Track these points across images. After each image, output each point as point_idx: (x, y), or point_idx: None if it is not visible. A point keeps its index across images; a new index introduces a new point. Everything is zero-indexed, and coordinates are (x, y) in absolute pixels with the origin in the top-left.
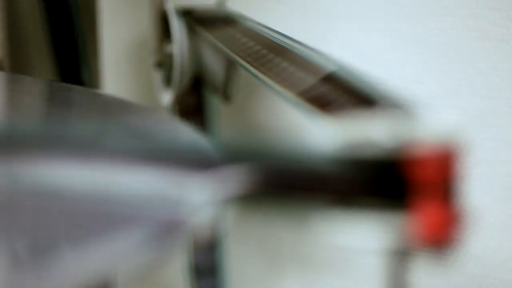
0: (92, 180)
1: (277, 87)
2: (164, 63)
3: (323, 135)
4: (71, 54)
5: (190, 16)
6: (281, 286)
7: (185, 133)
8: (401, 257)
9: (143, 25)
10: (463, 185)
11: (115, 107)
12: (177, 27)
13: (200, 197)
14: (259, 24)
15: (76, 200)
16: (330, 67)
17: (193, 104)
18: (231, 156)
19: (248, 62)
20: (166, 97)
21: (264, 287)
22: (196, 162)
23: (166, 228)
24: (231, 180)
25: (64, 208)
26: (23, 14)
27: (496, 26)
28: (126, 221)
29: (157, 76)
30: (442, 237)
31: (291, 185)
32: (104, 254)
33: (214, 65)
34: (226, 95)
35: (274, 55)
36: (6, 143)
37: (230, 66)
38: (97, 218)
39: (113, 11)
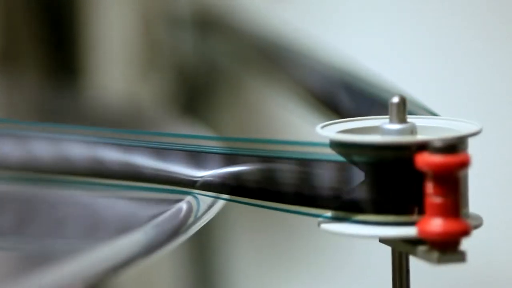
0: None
1: (279, 87)
2: (160, 59)
3: (325, 134)
4: (64, 45)
5: (189, 15)
6: (283, 286)
7: (185, 131)
8: (404, 252)
9: (140, 18)
10: (467, 184)
11: (114, 107)
12: (174, 24)
13: (201, 197)
14: (260, 23)
15: (79, 199)
16: (333, 67)
17: (192, 102)
18: (231, 155)
19: (249, 62)
20: (161, 92)
21: (264, 286)
22: (197, 160)
23: (167, 227)
24: (231, 179)
25: (67, 207)
26: (15, 4)
27: (497, 26)
28: (126, 221)
29: (152, 70)
30: (446, 234)
31: (293, 178)
32: (104, 255)
33: (214, 64)
34: (225, 94)
35: (276, 55)
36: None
37: (230, 65)
38: (98, 218)
39: (110, 5)
